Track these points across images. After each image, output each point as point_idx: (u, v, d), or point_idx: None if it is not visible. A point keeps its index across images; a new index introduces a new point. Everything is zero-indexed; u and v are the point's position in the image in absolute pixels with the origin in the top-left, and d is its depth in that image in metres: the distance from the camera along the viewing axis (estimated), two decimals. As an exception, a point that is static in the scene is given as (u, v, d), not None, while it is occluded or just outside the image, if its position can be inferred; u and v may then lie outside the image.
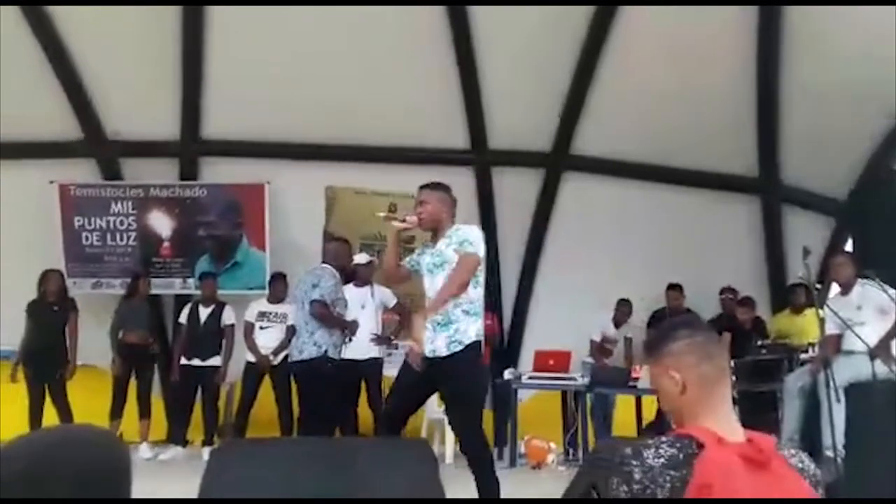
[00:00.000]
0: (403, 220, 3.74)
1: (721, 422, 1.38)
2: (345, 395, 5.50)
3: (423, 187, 3.83)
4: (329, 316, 4.92)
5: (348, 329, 5.17)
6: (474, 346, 3.56)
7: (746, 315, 6.71)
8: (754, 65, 7.12)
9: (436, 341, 3.54)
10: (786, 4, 6.71)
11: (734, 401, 5.53)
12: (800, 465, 1.37)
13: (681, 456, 1.30)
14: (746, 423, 1.43)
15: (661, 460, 1.30)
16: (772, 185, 7.83)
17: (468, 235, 3.65)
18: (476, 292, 3.62)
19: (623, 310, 7.06)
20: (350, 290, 5.72)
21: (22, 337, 6.16)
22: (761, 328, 6.65)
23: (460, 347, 3.51)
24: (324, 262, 5.25)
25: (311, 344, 4.89)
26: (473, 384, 3.69)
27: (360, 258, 6.20)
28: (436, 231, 3.75)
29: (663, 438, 1.35)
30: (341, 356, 5.11)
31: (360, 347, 5.74)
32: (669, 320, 1.59)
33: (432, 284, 3.66)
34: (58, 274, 6.44)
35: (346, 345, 5.20)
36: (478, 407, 3.74)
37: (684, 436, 1.34)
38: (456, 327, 3.53)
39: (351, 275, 5.90)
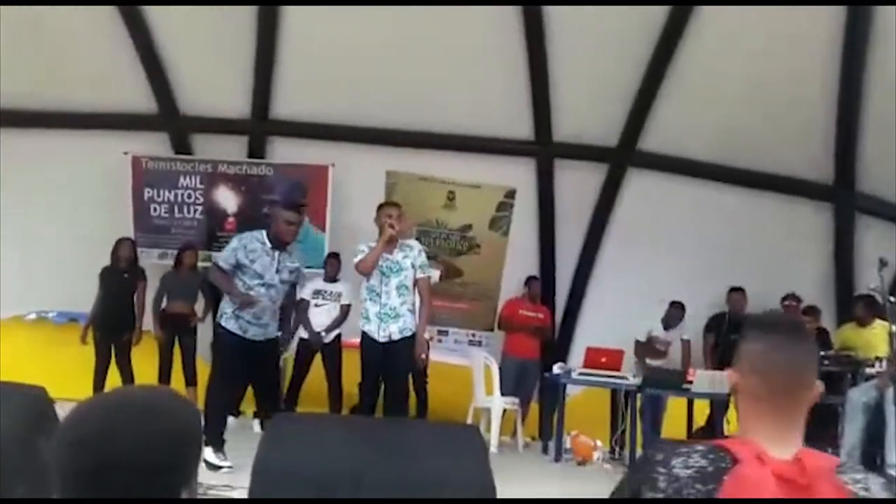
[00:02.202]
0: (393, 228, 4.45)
1: (770, 435, 1.26)
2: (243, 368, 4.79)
3: (396, 205, 4.69)
4: (220, 280, 4.63)
5: (239, 301, 4.51)
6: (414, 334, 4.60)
7: (810, 324, 6.48)
8: (836, 67, 6.84)
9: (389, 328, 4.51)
10: (857, 4, 6.43)
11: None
12: (863, 491, 1.21)
13: (710, 469, 1.21)
14: (805, 436, 1.33)
15: (690, 471, 1.21)
16: (847, 192, 7.53)
17: (426, 258, 4.65)
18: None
19: (673, 312, 6.90)
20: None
21: (94, 301, 6.43)
22: (825, 339, 6.43)
23: (409, 334, 4.52)
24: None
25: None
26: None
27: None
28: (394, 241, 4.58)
29: (698, 447, 1.26)
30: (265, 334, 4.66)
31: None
32: (770, 313, 1.44)
33: (383, 283, 4.51)
34: (129, 242, 6.68)
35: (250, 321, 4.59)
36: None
37: (721, 447, 1.25)
38: (404, 320, 4.52)
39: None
